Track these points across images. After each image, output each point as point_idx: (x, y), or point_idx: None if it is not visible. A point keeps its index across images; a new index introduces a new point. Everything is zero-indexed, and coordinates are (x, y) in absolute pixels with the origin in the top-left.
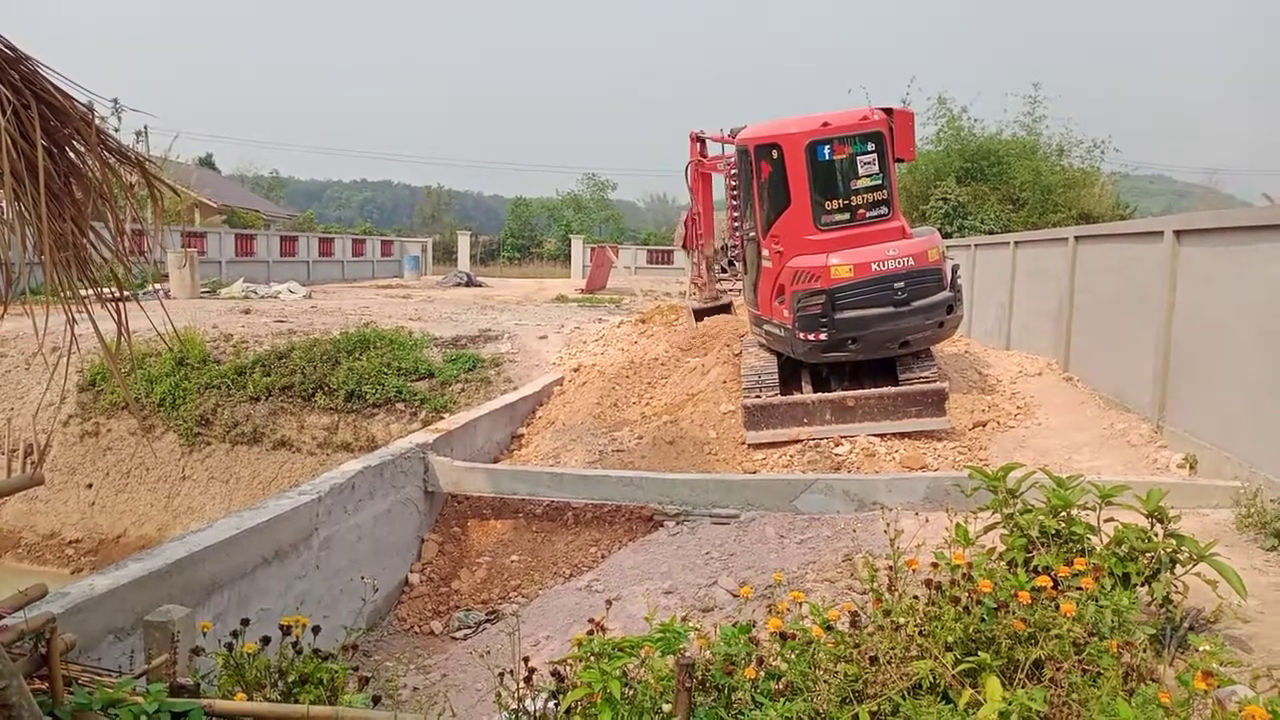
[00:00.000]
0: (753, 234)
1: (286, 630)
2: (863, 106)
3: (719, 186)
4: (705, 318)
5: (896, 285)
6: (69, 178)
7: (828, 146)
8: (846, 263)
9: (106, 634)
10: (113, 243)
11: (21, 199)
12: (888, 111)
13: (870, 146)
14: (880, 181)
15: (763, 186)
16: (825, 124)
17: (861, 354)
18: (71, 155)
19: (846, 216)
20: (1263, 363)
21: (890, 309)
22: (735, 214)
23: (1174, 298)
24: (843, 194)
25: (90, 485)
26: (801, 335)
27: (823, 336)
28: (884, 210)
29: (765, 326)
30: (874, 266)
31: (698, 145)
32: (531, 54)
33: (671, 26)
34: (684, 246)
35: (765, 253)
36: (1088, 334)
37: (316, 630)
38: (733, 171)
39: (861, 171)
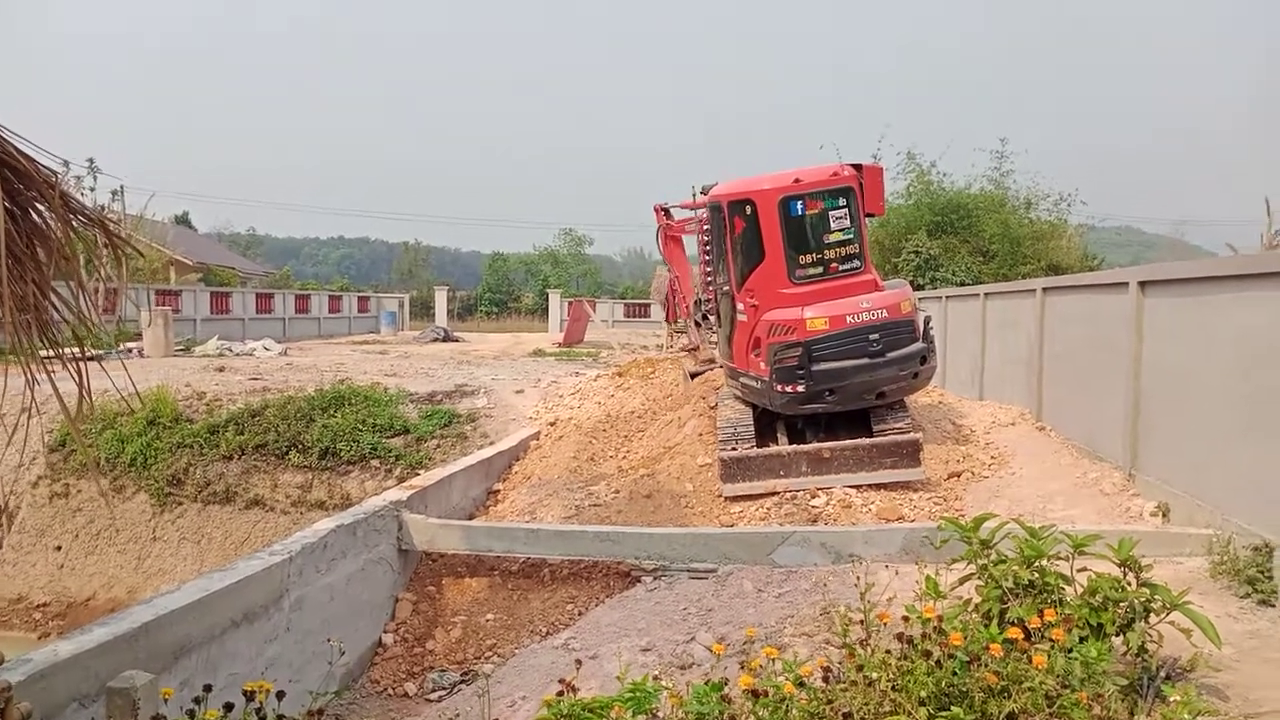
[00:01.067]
0: (727, 288)
1: (250, 696)
2: (833, 163)
3: (692, 245)
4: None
5: (871, 337)
6: (31, 239)
7: (800, 202)
8: (822, 315)
9: (70, 701)
10: (74, 303)
11: None
12: (857, 167)
13: (841, 201)
14: (852, 235)
15: (736, 241)
16: (797, 180)
17: (839, 405)
18: (35, 217)
19: (820, 270)
20: (1231, 410)
21: (866, 360)
22: (708, 269)
23: (1140, 348)
24: (815, 248)
25: (59, 547)
26: (779, 387)
27: (800, 388)
28: (856, 264)
29: (742, 379)
30: (849, 319)
31: (662, 214)
32: (506, 114)
33: (644, 82)
34: (669, 319)
35: (740, 306)
36: (1059, 384)
37: (281, 695)
38: (705, 228)
39: (834, 226)
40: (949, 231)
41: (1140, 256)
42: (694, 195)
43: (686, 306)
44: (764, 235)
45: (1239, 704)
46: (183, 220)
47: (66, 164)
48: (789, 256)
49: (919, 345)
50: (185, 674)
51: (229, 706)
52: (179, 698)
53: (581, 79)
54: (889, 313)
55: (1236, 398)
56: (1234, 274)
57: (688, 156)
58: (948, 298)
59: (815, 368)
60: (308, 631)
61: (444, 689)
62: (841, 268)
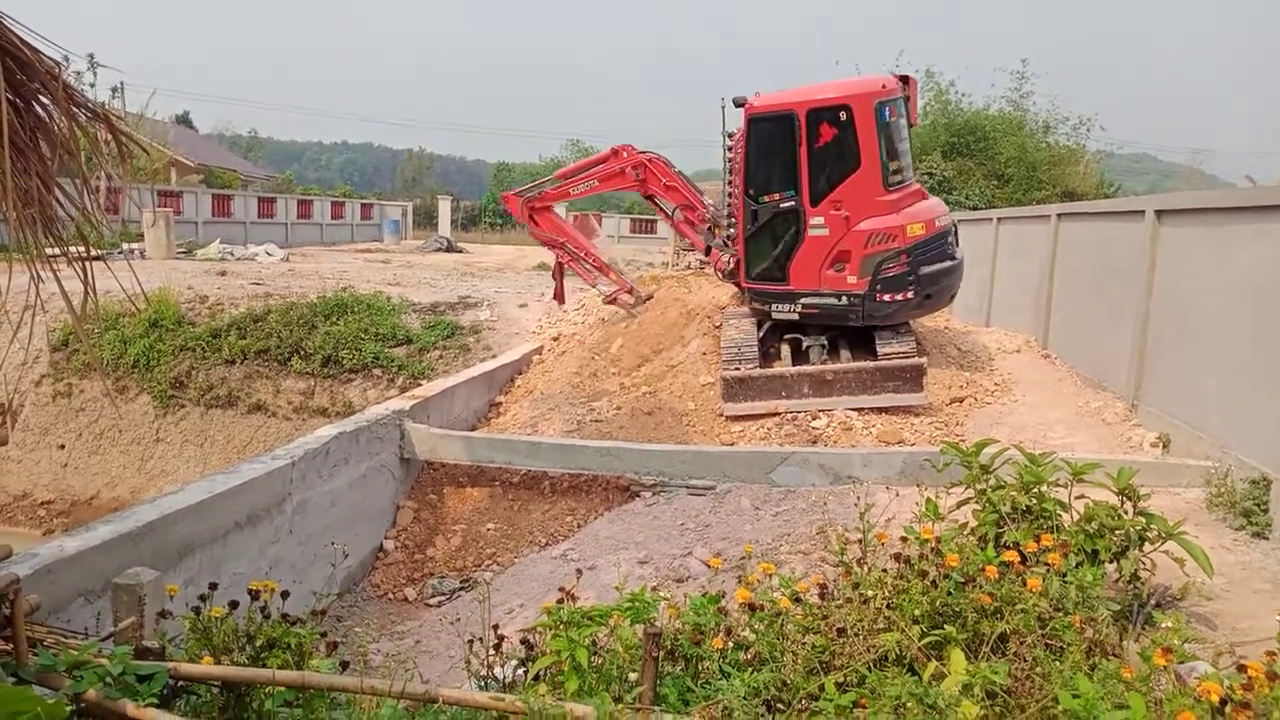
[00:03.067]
0: (790, 204)
1: (255, 595)
2: (878, 74)
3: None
4: None
5: (949, 240)
6: (35, 133)
7: (888, 107)
8: (919, 220)
9: (76, 596)
10: (79, 200)
11: None
12: (903, 79)
13: (903, 110)
14: (909, 144)
15: (818, 152)
16: (884, 85)
17: (933, 308)
18: (38, 110)
19: (899, 178)
20: (1236, 344)
21: (949, 263)
22: (744, 188)
23: (1153, 278)
24: (896, 155)
25: (63, 446)
26: (885, 296)
27: (909, 295)
28: (910, 173)
29: (803, 301)
30: (936, 223)
31: (517, 201)
32: (515, 20)
33: None
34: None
35: (817, 221)
36: (1067, 312)
37: (285, 595)
38: (746, 145)
39: (903, 134)
40: (964, 154)
41: (1157, 185)
42: (723, 109)
43: (593, 260)
44: (860, 142)
45: (1227, 633)
46: (183, 120)
47: (67, 57)
48: (883, 163)
49: (961, 252)
50: (189, 573)
51: (234, 604)
52: (184, 595)
53: None
54: (947, 219)
55: (1246, 331)
56: (1251, 205)
57: (704, 61)
58: (960, 222)
59: (920, 272)
60: (310, 535)
61: (444, 595)
62: (906, 176)
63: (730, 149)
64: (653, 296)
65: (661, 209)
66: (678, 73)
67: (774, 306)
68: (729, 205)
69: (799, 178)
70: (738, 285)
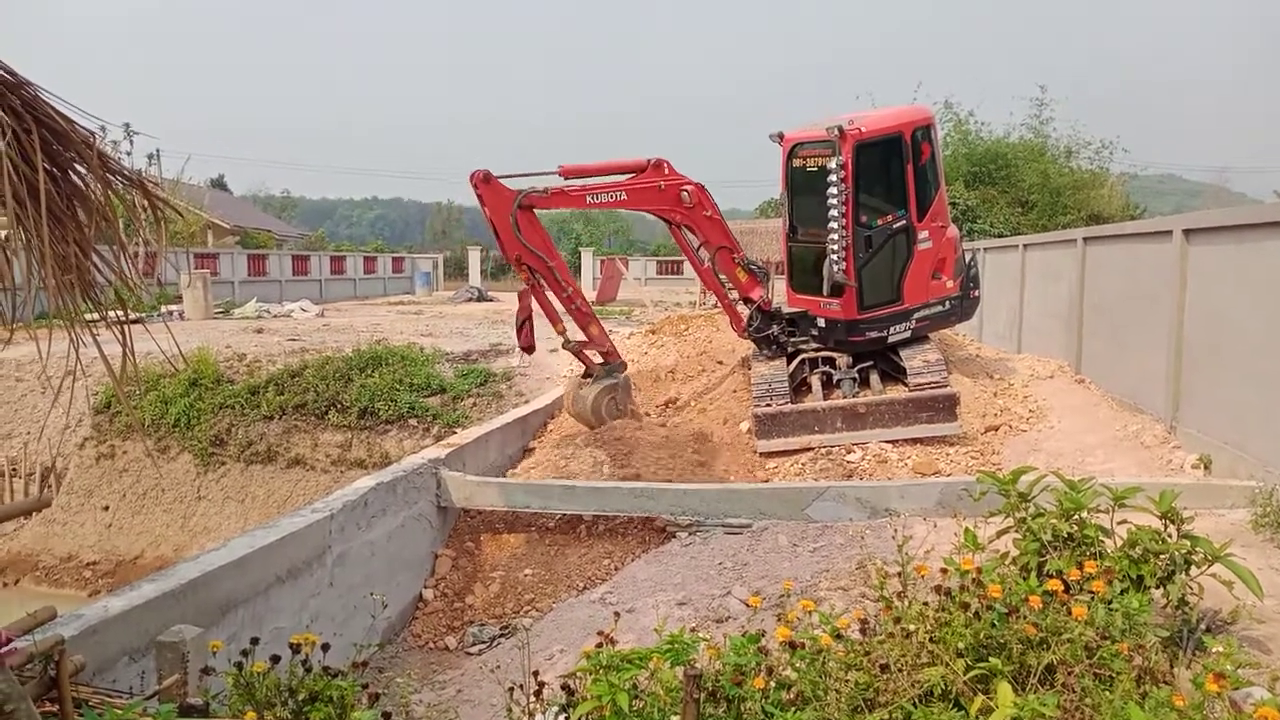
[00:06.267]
0: (900, 224)
1: (296, 649)
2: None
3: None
4: None
5: None
6: (72, 200)
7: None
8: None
9: (121, 655)
10: (116, 265)
11: (24, 222)
12: None
13: None
14: None
15: (921, 169)
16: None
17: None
18: (74, 178)
19: None
20: (1274, 361)
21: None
22: (854, 217)
23: (1184, 297)
24: None
25: (107, 507)
26: (973, 293)
27: (978, 292)
28: None
29: (915, 315)
30: None
31: (484, 183)
32: (532, 81)
33: (677, 41)
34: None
35: (924, 235)
36: (1099, 336)
37: (326, 648)
38: (849, 171)
39: None
40: (987, 182)
41: (1183, 205)
42: (778, 142)
43: (580, 302)
44: (937, 158)
45: None
46: (218, 183)
47: (103, 127)
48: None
49: None
50: (232, 628)
51: (275, 659)
52: (226, 651)
53: (614, 41)
54: None
55: None
56: None
57: (722, 110)
58: (985, 250)
59: (974, 269)
60: (350, 587)
61: (484, 642)
62: None
63: (795, 188)
64: (625, 368)
65: (687, 244)
66: (691, 120)
67: (891, 330)
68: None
69: (908, 196)
70: (763, 341)
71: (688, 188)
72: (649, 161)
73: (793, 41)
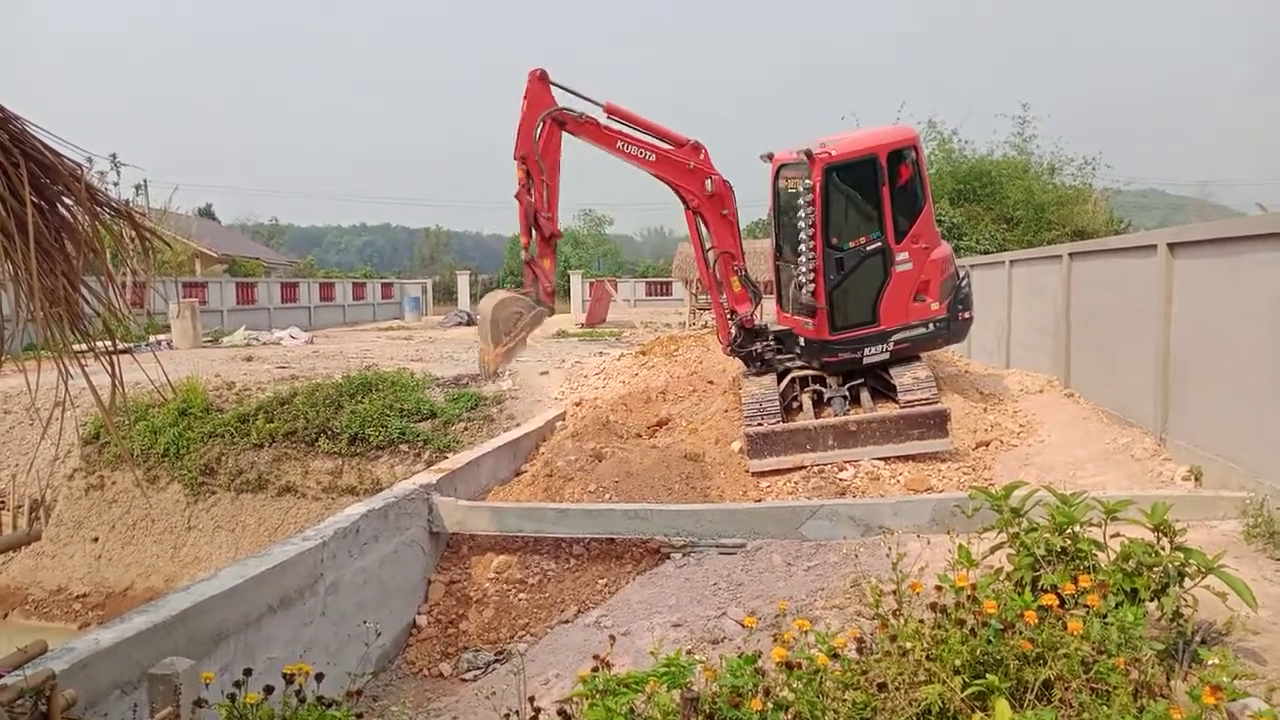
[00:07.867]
0: (875, 246)
1: (290, 679)
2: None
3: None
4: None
5: None
6: (60, 233)
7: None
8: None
9: (113, 688)
10: (104, 296)
11: (11, 256)
12: None
13: None
14: None
15: (899, 191)
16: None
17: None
18: (62, 210)
19: None
20: (1263, 371)
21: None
22: (824, 239)
23: (1171, 310)
24: None
25: (96, 539)
26: (964, 315)
27: (969, 314)
28: None
29: (893, 337)
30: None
31: (545, 85)
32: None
33: (673, 55)
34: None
35: (902, 257)
36: (1087, 350)
37: (320, 677)
38: (816, 193)
39: None
40: (972, 199)
41: (1167, 219)
42: (769, 164)
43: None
44: (922, 178)
45: (1277, 667)
46: (206, 212)
47: (90, 159)
48: (931, 197)
49: None
50: (224, 659)
51: (269, 689)
52: (219, 682)
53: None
54: None
55: (1270, 359)
56: (1265, 233)
57: (717, 125)
58: (972, 267)
59: (965, 290)
60: (343, 615)
61: (479, 668)
62: None
63: (780, 208)
64: (551, 313)
65: (699, 239)
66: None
67: (865, 352)
68: (794, 263)
69: (883, 218)
70: (747, 358)
71: (713, 178)
72: (690, 141)
73: (771, 64)
